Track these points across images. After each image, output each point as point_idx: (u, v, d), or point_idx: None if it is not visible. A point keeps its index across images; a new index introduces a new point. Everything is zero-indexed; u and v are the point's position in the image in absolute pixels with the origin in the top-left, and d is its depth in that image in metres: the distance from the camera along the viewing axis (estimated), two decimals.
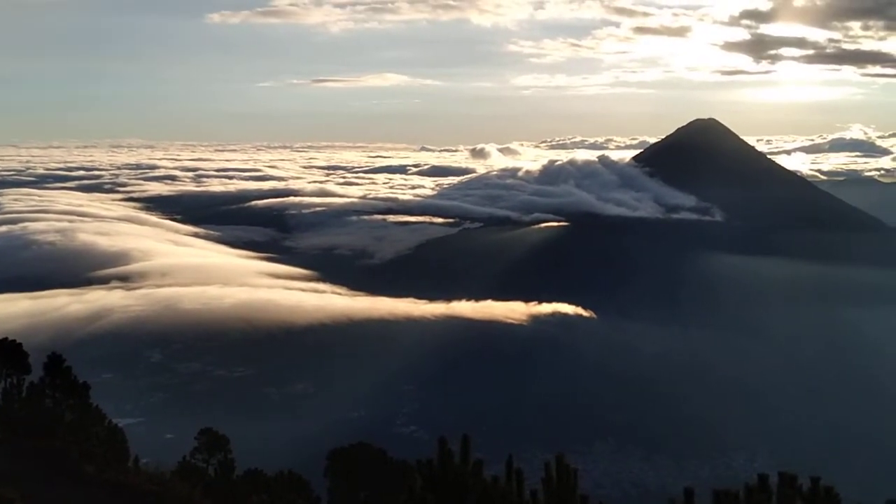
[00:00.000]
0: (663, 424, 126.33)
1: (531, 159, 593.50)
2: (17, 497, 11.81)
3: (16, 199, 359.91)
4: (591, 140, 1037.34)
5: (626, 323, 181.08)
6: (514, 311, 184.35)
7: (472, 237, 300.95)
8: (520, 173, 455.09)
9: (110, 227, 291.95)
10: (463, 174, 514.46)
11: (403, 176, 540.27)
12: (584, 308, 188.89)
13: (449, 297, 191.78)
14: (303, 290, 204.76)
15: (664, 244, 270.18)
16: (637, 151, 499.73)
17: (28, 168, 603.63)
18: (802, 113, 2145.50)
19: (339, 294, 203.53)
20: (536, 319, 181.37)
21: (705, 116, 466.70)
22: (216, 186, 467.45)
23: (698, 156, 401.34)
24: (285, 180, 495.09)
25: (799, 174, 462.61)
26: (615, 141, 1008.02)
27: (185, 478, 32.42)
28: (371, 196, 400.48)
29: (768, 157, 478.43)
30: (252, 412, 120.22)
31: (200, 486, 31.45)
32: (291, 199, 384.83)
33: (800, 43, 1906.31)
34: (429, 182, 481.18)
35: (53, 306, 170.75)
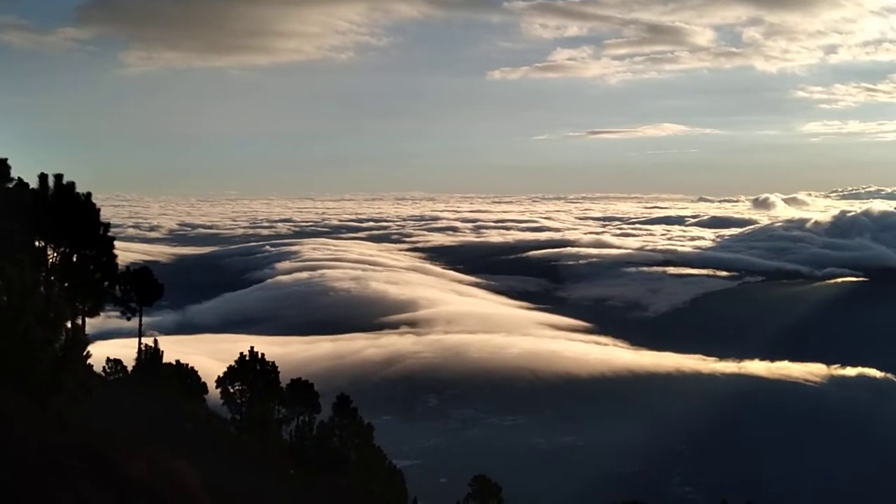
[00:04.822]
0: None
1: (820, 210, 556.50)
2: None
3: (314, 248, 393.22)
4: (889, 189, 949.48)
5: None
6: (811, 372, 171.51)
7: (753, 292, 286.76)
8: (808, 225, 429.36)
9: (399, 276, 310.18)
10: (744, 225, 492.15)
11: (682, 227, 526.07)
12: (887, 370, 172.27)
13: (729, 355, 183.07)
14: (584, 342, 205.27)
15: None
16: None
17: (324, 219, 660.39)
18: None
19: (621, 347, 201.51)
20: (836, 383, 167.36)
21: None
22: (495, 237, 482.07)
23: None
24: (561, 231, 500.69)
25: None
26: None
27: None
28: (648, 248, 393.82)
29: None
30: (522, 461, 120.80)
31: None
32: (568, 249, 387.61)
33: None
34: (709, 233, 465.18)
35: (351, 350, 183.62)
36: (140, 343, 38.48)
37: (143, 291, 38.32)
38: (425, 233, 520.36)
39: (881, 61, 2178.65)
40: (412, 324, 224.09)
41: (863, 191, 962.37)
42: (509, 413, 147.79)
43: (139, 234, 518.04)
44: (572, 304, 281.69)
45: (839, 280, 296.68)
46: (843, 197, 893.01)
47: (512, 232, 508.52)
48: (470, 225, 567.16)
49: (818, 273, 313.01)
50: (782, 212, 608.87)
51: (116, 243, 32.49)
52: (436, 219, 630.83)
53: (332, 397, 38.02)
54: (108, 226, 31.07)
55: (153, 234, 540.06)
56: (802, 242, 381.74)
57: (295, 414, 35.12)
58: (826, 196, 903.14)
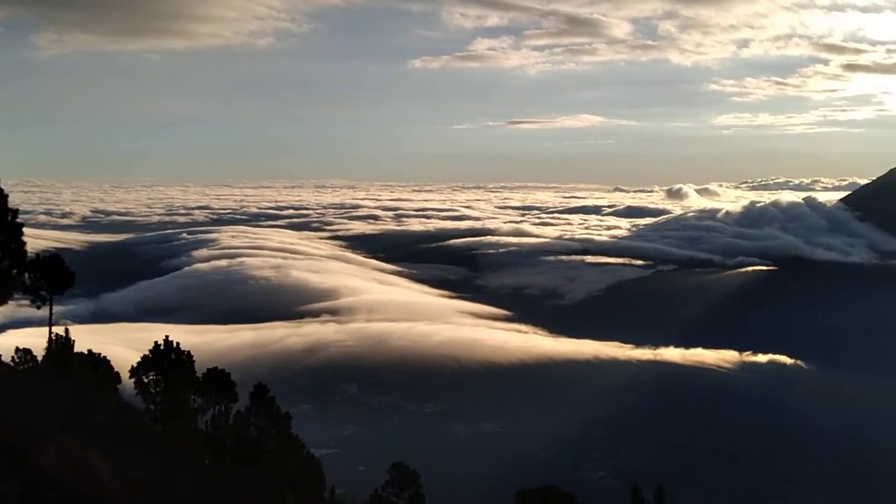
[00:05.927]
0: (877, 485, 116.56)
1: (731, 200, 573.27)
2: None
3: (233, 236, 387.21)
4: (796, 181, 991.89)
5: (838, 374, 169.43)
6: (723, 359, 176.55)
7: (667, 280, 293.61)
8: (719, 215, 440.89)
9: (320, 264, 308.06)
10: (659, 215, 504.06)
11: (598, 217, 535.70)
12: (796, 356, 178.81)
13: (645, 342, 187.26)
14: (505, 330, 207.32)
15: (880, 291, 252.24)
16: (846, 193, 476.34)
17: (242, 207, 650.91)
18: None
19: (540, 335, 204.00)
20: (748, 369, 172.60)
21: None
22: (415, 226, 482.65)
23: None
24: (481, 220, 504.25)
25: None
26: (822, 182, 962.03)
27: None
28: (566, 237, 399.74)
29: None
30: (440, 448, 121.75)
31: None
32: (488, 238, 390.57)
33: None
34: (624, 223, 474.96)
35: (272, 338, 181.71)
36: (51, 332, 37.60)
37: (54, 279, 37.37)
38: (346, 221, 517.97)
39: (791, 56, 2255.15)
40: (333, 312, 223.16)
41: (772, 182, 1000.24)
42: (430, 401, 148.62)
43: (51, 221, 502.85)
44: (492, 292, 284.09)
45: (749, 269, 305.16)
46: (753, 188, 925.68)
47: (432, 220, 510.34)
48: (391, 213, 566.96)
49: (729, 262, 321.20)
50: (695, 202, 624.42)
51: (27, 230, 31.68)
52: (356, 207, 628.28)
53: (252, 387, 37.84)
54: (16, 212, 30.28)
55: (65, 221, 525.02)
56: (714, 232, 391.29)
57: (211, 404, 34.87)
58: (737, 187, 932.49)
